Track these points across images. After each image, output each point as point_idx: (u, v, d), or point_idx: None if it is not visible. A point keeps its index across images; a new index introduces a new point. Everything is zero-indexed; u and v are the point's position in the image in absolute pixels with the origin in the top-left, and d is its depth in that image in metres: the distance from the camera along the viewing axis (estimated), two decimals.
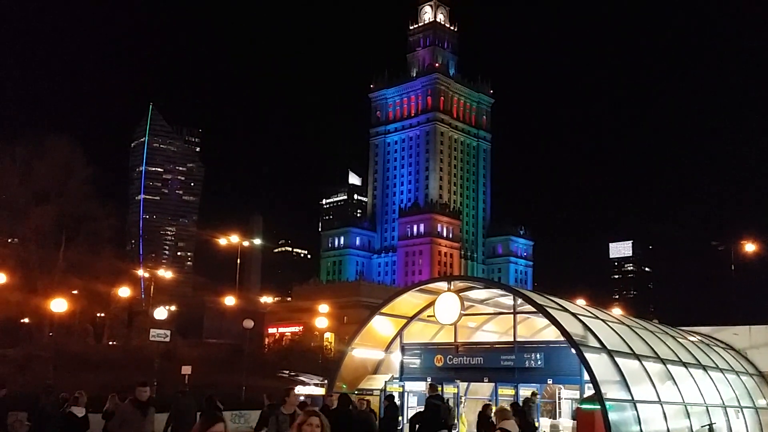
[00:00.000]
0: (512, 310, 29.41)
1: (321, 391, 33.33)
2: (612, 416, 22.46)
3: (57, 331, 71.50)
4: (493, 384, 29.49)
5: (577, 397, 26.38)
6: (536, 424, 26.82)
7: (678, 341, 32.84)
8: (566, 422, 29.23)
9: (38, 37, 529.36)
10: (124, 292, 75.67)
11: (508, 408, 18.18)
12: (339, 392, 27.78)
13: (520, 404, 25.53)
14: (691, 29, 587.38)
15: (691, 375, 28.80)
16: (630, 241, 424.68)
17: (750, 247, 71.76)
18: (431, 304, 30.62)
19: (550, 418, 30.40)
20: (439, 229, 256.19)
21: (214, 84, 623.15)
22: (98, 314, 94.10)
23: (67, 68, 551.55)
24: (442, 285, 30.93)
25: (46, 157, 79.62)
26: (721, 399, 29.38)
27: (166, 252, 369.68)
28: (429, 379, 30.06)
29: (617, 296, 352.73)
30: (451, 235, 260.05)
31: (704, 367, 30.61)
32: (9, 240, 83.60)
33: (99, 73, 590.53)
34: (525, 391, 28.17)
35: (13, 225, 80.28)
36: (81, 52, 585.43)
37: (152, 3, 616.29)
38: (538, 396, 27.94)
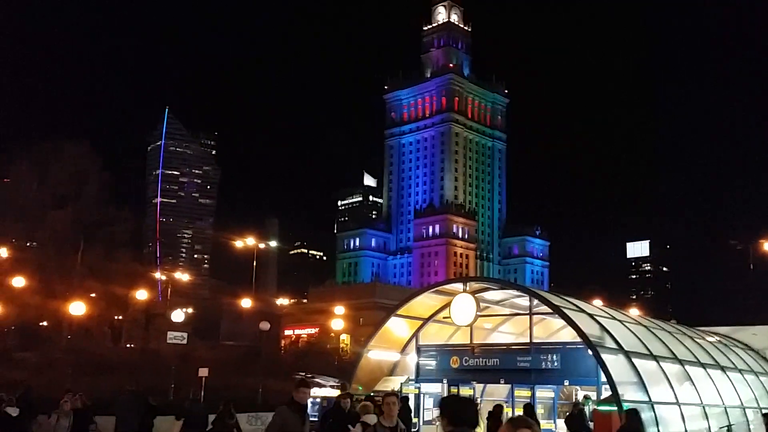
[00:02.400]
0: (528, 311, 29.32)
1: (337, 393, 33.30)
2: None
3: (75, 334, 72.08)
4: (509, 385, 29.42)
5: (594, 398, 26.26)
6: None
7: (696, 342, 32.60)
8: None
9: (54, 43, 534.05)
10: (141, 294, 76.13)
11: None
12: (363, 394, 27.85)
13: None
14: (709, 25, 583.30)
15: (710, 376, 28.58)
16: (647, 241, 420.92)
17: None
18: (447, 305, 30.59)
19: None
20: (454, 229, 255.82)
21: (229, 87, 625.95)
22: (116, 317, 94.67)
23: (83, 73, 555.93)
24: (458, 286, 30.89)
25: (63, 161, 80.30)
26: (740, 400, 29.14)
27: (183, 255, 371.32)
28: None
29: (634, 296, 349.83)
30: (466, 236, 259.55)
31: (723, 368, 30.36)
32: (28, 244, 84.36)
33: (115, 77, 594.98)
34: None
35: (31, 229, 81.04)
36: (97, 57, 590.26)
37: (167, 7, 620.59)
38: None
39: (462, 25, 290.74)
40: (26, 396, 31.74)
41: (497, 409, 23.81)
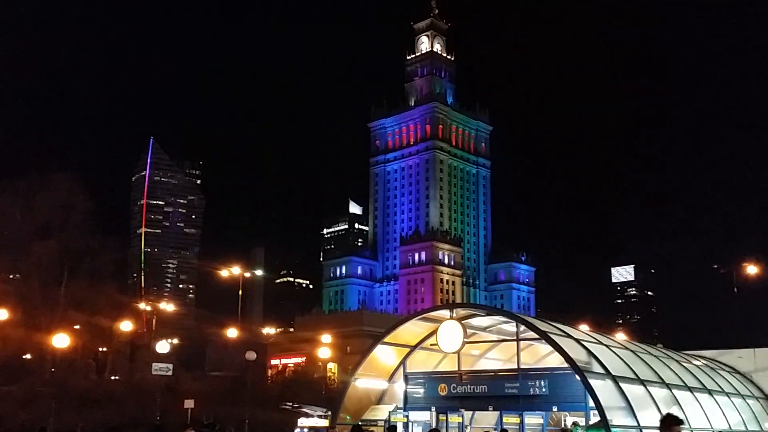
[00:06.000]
0: (515, 337, 29.34)
1: (325, 423, 33.12)
2: None
3: (59, 366, 71.14)
4: (498, 412, 29.31)
5: (583, 424, 26.23)
6: None
7: (683, 365, 32.69)
8: None
9: (39, 71, 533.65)
10: (126, 326, 75.40)
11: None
12: (350, 424, 27.70)
13: None
14: (689, 52, 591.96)
15: (697, 399, 28.64)
16: (632, 266, 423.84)
17: (752, 270, 71.70)
18: (434, 332, 30.57)
19: None
20: (440, 256, 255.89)
21: (214, 116, 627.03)
22: (100, 349, 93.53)
23: (67, 103, 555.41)
24: (445, 313, 30.88)
25: (47, 192, 79.75)
26: (728, 423, 29.18)
27: (168, 285, 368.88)
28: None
29: (620, 321, 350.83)
30: (452, 263, 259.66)
31: (710, 392, 30.44)
32: (11, 276, 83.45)
33: (99, 107, 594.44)
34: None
35: (15, 260, 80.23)
36: (81, 86, 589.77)
37: (152, 35, 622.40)
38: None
39: (445, 54, 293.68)
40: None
41: None
